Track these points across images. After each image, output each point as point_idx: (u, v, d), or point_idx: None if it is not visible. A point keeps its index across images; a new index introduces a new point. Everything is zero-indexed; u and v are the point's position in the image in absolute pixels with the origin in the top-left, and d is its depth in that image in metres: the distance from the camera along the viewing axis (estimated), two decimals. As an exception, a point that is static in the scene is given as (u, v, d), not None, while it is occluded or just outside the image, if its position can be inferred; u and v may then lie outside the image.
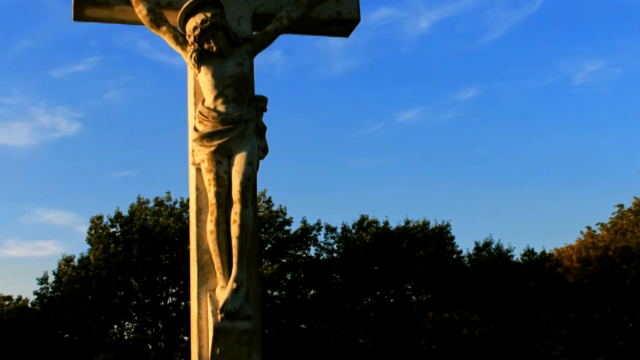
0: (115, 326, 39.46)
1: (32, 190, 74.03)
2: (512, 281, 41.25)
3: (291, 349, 38.96)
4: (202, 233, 6.60)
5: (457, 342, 41.12)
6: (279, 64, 74.60)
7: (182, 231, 38.35)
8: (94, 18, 7.09)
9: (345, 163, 72.57)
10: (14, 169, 74.34)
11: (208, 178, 6.52)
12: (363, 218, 43.54)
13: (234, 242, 6.44)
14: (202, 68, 6.65)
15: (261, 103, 6.81)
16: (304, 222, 42.44)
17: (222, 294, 6.44)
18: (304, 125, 74.61)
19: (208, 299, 6.48)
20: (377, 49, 75.54)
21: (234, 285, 6.40)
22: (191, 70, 6.84)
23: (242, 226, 6.42)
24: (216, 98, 6.61)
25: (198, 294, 6.55)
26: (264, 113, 6.86)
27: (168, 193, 41.22)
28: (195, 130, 6.63)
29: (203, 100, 6.70)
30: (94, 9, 6.94)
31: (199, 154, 6.61)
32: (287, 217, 41.94)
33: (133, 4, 6.82)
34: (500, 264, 42.67)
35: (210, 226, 6.51)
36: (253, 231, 6.54)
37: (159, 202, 41.10)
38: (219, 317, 6.37)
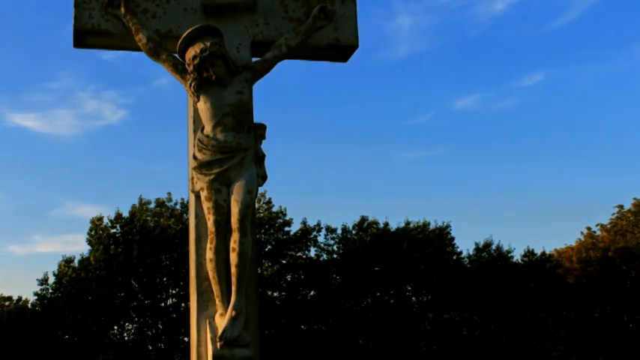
0: (115, 327, 39.49)
1: (67, 182, 71.41)
2: (512, 282, 41.28)
3: (291, 350, 39.01)
4: (202, 261, 6.63)
5: (457, 343, 41.17)
6: None
7: (182, 232, 38.35)
8: (95, 45, 7.15)
9: (391, 155, 70.85)
10: (51, 160, 71.57)
11: (207, 206, 6.56)
12: (363, 219, 43.59)
13: (234, 270, 6.48)
14: (201, 96, 6.67)
15: (260, 131, 6.84)
16: (304, 223, 42.49)
17: (221, 321, 6.48)
18: (348, 113, 72.41)
19: (208, 326, 6.52)
20: (445, 31, 73.51)
21: (234, 312, 6.44)
22: (190, 97, 6.86)
23: (241, 255, 6.45)
24: (215, 126, 6.63)
25: (198, 321, 6.59)
26: (264, 140, 6.90)
27: (169, 194, 41.33)
28: (195, 158, 6.66)
29: (202, 128, 6.72)
30: (95, 37, 6.99)
31: (199, 182, 6.64)
32: (287, 218, 42.02)
33: (133, 32, 6.85)
34: (501, 265, 42.72)
35: (209, 254, 6.54)
36: (252, 259, 6.57)
37: (159, 203, 41.14)
38: (218, 345, 6.40)
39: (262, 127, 6.86)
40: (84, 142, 71.38)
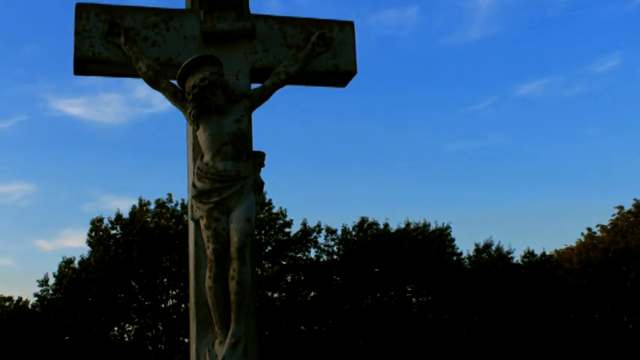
0: (116, 328, 39.55)
1: (104, 174, 67.63)
2: (512, 283, 41.33)
3: (291, 350, 39.06)
4: (201, 288, 6.65)
5: (457, 344, 41.24)
6: (411, 24, 69.47)
7: (183, 233, 38.35)
8: (96, 72, 7.21)
9: (440, 147, 67.78)
10: (92, 151, 67.78)
11: (207, 235, 6.58)
12: (364, 220, 43.64)
13: (233, 298, 6.52)
14: (201, 125, 6.68)
15: (259, 159, 6.86)
16: (304, 224, 42.57)
17: (220, 349, 6.51)
18: (402, 101, 69.07)
19: (207, 354, 6.54)
20: (523, 12, 69.87)
21: (233, 340, 6.48)
22: (190, 126, 6.88)
23: (240, 283, 6.49)
24: (214, 155, 6.64)
25: (197, 348, 6.60)
26: (263, 167, 6.93)
27: (170, 194, 41.34)
28: (194, 186, 6.68)
29: (202, 156, 6.74)
30: (96, 65, 7.02)
31: (198, 211, 6.66)
32: (287, 219, 42.08)
33: (133, 61, 6.88)
34: (501, 266, 42.78)
35: (208, 282, 6.57)
36: (252, 287, 6.61)
37: (160, 204, 41.15)
38: (217, 372, 6.44)
39: (261, 155, 6.88)
40: (129, 132, 68.70)
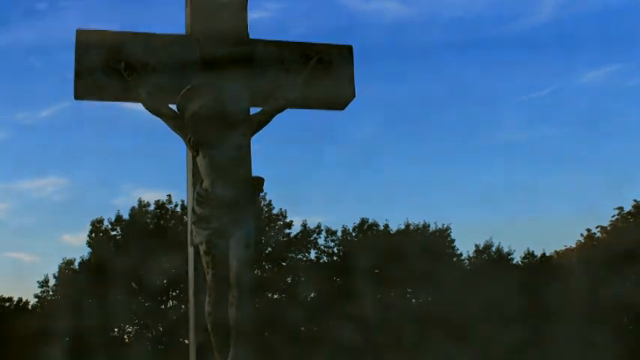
0: (116, 330, 39.61)
1: (136, 166, 63.62)
2: (512, 284, 41.28)
3: (291, 352, 39.05)
4: (201, 313, 6.68)
5: (457, 344, 41.18)
6: (478, 8, 65.66)
7: (183, 234, 38.28)
8: (96, 98, 7.22)
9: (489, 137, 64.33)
10: (128, 140, 63.52)
11: (206, 260, 6.61)
12: (364, 221, 43.65)
13: (232, 324, 6.55)
14: (200, 151, 6.70)
15: (257, 184, 6.89)
16: (304, 225, 42.62)
17: (220, 374, 6.56)
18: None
19: (206, 378, 6.60)
20: None
21: (232, 365, 6.53)
22: (189, 152, 6.92)
23: (239, 309, 6.52)
24: (213, 181, 6.65)
25: (197, 373, 6.65)
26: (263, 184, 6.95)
27: (170, 195, 41.37)
28: (194, 212, 6.72)
29: (201, 182, 6.77)
30: (96, 91, 7.04)
31: (198, 236, 6.69)
32: (287, 220, 42.10)
33: (132, 87, 6.90)
34: (501, 267, 42.75)
35: (207, 307, 6.60)
36: (250, 312, 6.64)
37: (160, 205, 41.18)
38: (216, 398, 6.48)
39: (260, 181, 6.90)
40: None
